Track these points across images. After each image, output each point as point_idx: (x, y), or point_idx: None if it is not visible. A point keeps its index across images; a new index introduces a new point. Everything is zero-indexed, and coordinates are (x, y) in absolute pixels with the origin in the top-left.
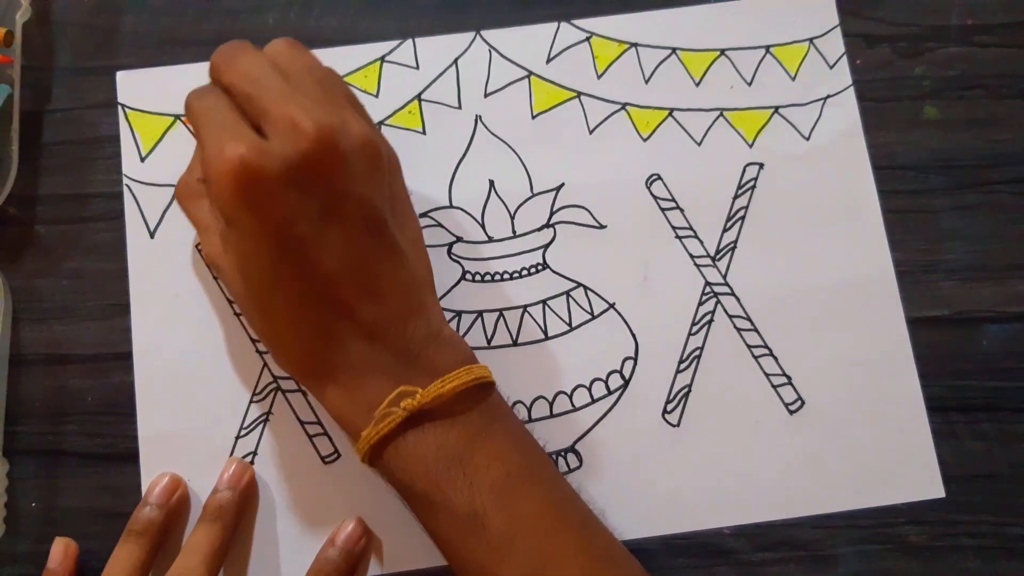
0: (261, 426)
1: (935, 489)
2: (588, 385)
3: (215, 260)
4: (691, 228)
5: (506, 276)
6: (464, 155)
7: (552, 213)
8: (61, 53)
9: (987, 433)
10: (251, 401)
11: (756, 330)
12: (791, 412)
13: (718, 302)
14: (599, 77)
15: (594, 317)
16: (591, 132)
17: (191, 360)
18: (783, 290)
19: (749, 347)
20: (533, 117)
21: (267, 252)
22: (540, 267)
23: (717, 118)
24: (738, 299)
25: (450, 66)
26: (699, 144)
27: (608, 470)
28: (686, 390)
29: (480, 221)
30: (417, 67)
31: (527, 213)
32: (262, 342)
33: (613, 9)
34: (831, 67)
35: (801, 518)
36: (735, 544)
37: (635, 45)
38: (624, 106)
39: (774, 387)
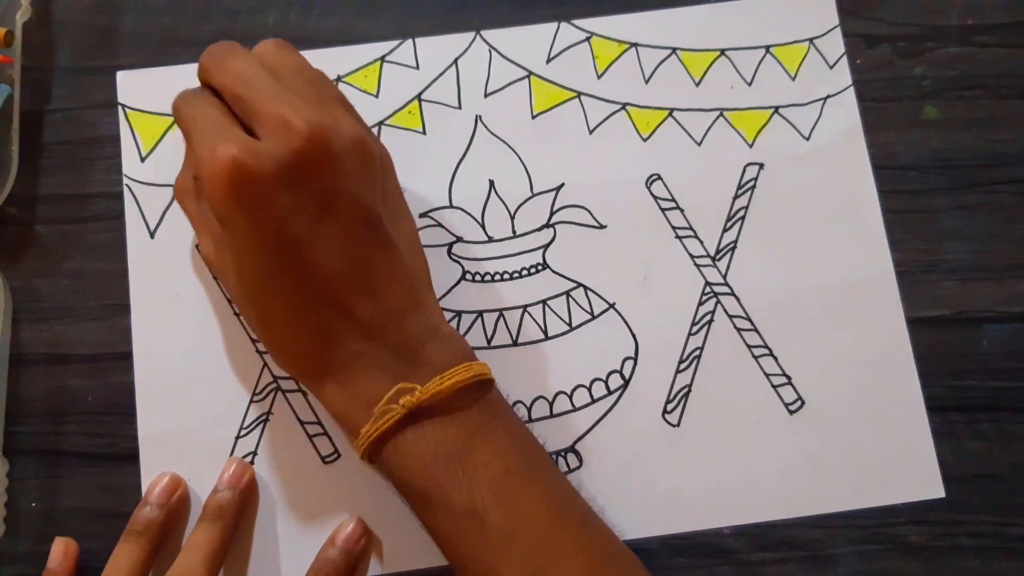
0: (261, 426)
1: (935, 489)
2: (588, 385)
3: (212, 259)
4: (691, 228)
5: (506, 276)
6: (464, 155)
7: (552, 213)
8: (61, 53)
9: (987, 433)
10: (251, 401)
11: (756, 330)
12: (791, 412)
13: (718, 302)
14: (599, 77)
15: (594, 317)
16: (591, 132)
17: (191, 360)
18: (783, 290)
19: (749, 347)
20: (533, 117)
21: (261, 252)
22: (540, 267)
23: (717, 118)
24: (738, 299)
25: (450, 66)
26: (699, 144)
27: (608, 470)
28: (686, 390)
29: (480, 221)
30: (417, 67)
31: (527, 213)
32: (260, 341)
33: (613, 9)
34: (831, 67)
35: (801, 518)
36: (735, 544)
37: (635, 45)
38: (624, 106)
39: (774, 387)
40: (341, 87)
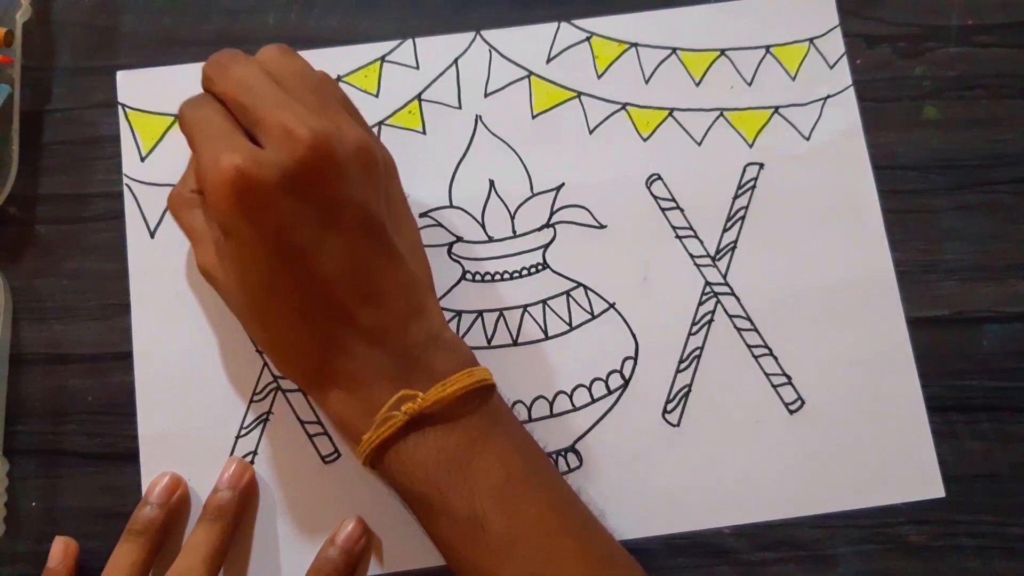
0: (261, 426)
1: (935, 489)
2: (588, 385)
3: (210, 271)
4: (691, 228)
5: (506, 276)
6: (464, 155)
7: (552, 213)
8: (61, 53)
9: (987, 433)
10: (251, 401)
11: (756, 330)
12: (791, 412)
13: (718, 302)
14: (599, 77)
15: (594, 317)
16: (591, 132)
17: (191, 360)
18: (783, 290)
19: (749, 347)
20: (533, 117)
21: (266, 261)
22: (540, 267)
23: (717, 118)
24: (738, 299)
25: (450, 66)
26: (699, 144)
27: (608, 470)
28: (686, 390)
29: (480, 221)
30: (417, 67)
31: (527, 213)
32: (263, 350)
33: (613, 9)
34: (831, 67)
35: (801, 518)
36: (735, 544)
37: (635, 45)
38: (624, 106)
39: (774, 387)
40: (341, 87)
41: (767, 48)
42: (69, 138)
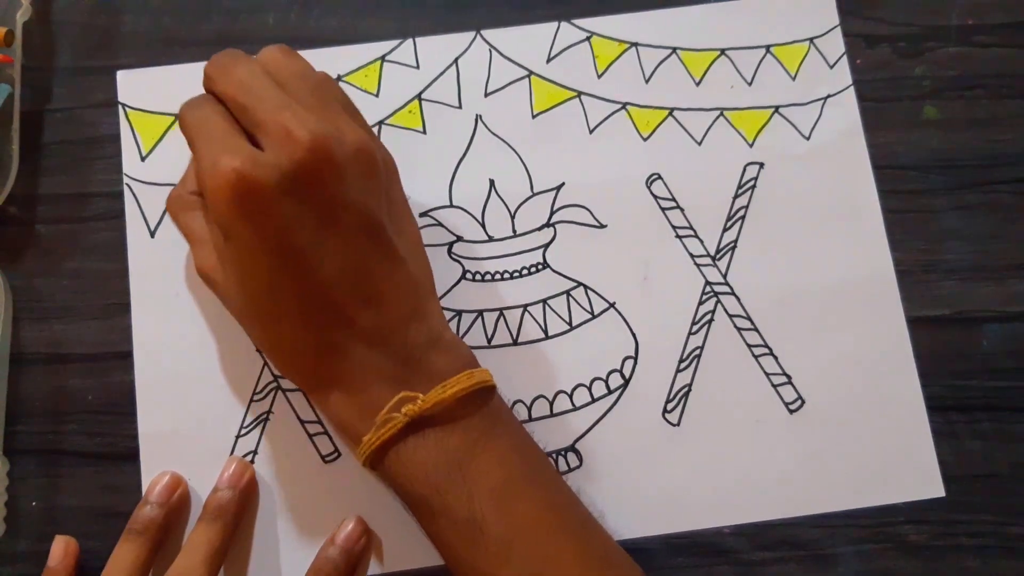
0: (261, 425)
1: (935, 489)
2: (588, 384)
3: (209, 273)
4: (691, 228)
5: (506, 275)
6: (464, 155)
7: (552, 212)
8: (61, 53)
9: (987, 433)
10: (251, 400)
11: (756, 330)
12: (791, 412)
13: (718, 302)
14: (599, 77)
15: (594, 316)
16: (591, 132)
17: (191, 360)
18: (783, 290)
19: (749, 347)
20: (533, 117)
21: (266, 263)
22: (540, 266)
23: (717, 118)
24: (738, 299)
25: (450, 66)
26: (699, 144)
27: (608, 469)
28: (686, 389)
29: (480, 221)
30: (417, 67)
31: (527, 212)
32: (263, 352)
33: (613, 9)
34: (831, 67)
35: (801, 518)
36: (735, 543)
37: (635, 45)
38: (624, 106)
39: (774, 387)
40: (342, 88)
41: (767, 48)
42: (69, 138)
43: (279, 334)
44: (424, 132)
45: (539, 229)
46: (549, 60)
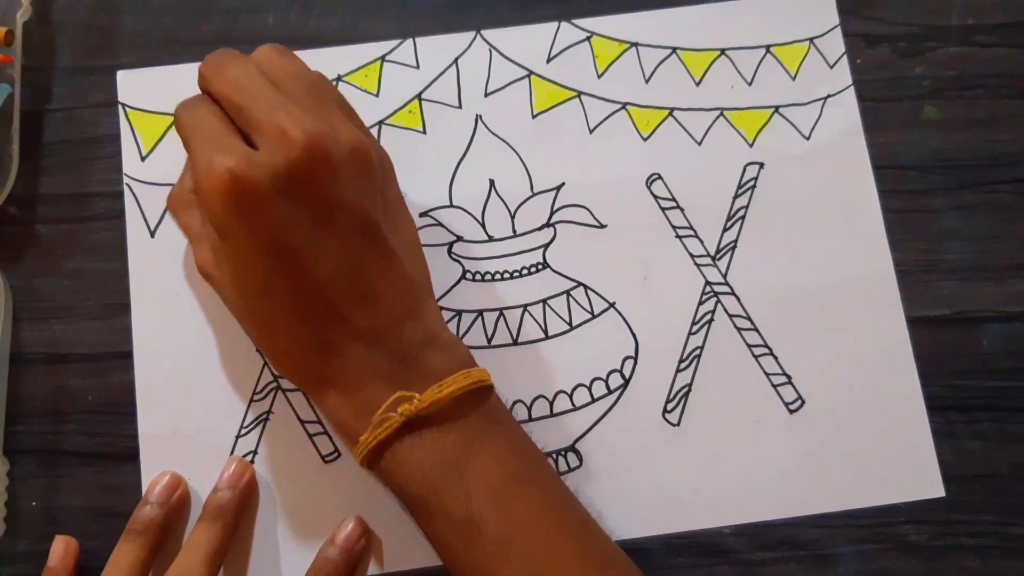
0: (261, 425)
1: (935, 489)
2: (588, 384)
3: (208, 271)
4: (691, 228)
5: (506, 275)
6: (464, 154)
7: (552, 212)
8: (61, 53)
9: (987, 433)
10: (251, 401)
11: (756, 330)
12: (791, 412)
13: (718, 302)
14: (599, 77)
15: (594, 316)
16: (591, 132)
17: (191, 360)
18: (783, 290)
19: (749, 347)
20: (533, 117)
21: (261, 263)
22: (540, 266)
23: (717, 118)
24: (738, 299)
25: (450, 66)
26: (699, 144)
27: (608, 469)
28: (686, 389)
29: (480, 220)
30: (417, 67)
31: (527, 212)
32: (260, 350)
33: (613, 9)
34: (831, 67)
35: (801, 518)
36: (735, 544)
37: (635, 45)
38: (624, 106)
39: (774, 387)
40: (341, 87)
41: (767, 48)
42: (69, 138)
43: (275, 333)
44: (424, 132)
45: (539, 229)
46: (549, 60)
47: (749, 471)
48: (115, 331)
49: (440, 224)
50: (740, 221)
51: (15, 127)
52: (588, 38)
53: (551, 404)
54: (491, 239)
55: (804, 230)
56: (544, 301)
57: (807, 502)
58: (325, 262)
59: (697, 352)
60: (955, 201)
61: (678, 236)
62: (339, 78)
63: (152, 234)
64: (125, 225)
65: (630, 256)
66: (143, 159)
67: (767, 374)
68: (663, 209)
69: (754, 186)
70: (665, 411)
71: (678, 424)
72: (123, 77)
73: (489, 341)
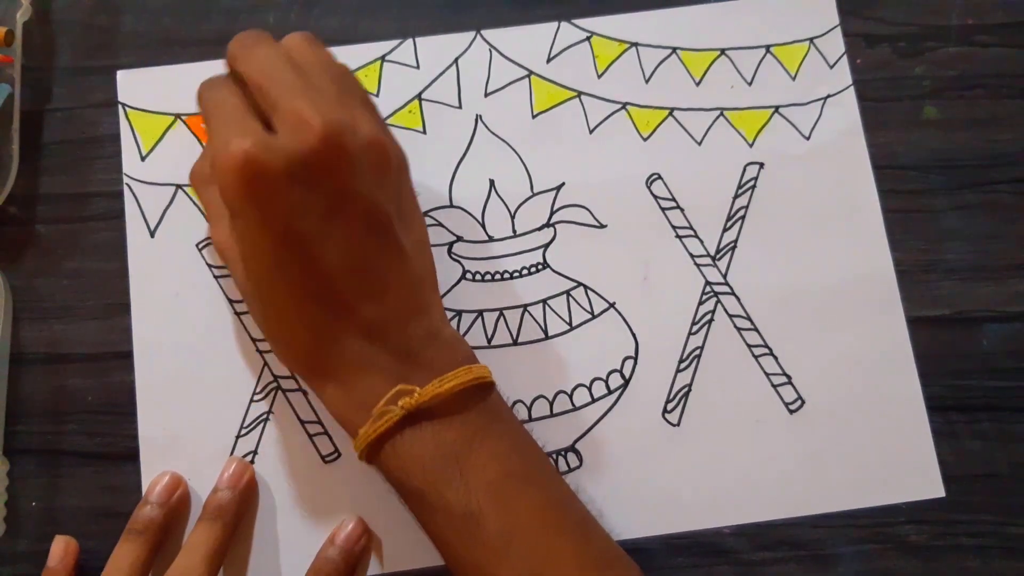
0: (261, 426)
1: (935, 489)
2: (588, 384)
3: (224, 249)
4: (691, 228)
5: (506, 275)
6: (464, 154)
7: (552, 212)
8: (61, 53)
9: (987, 433)
10: (251, 401)
11: (756, 330)
12: (791, 412)
13: (718, 302)
14: (599, 77)
15: (594, 316)
16: (591, 132)
17: (191, 360)
18: (783, 290)
19: (749, 347)
20: (533, 117)
21: (270, 246)
22: (540, 266)
23: (717, 118)
24: (738, 299)
25: (450, 66)
26: (699, 144)
27: (608, 469)
28: (686, 390)
29: (480, 220)
30: (417, 67)
31: (527, 212)
32: (263, 335)
33: (613, 9)
34: (831, 67)
35: (801, 518)
36: (735, 544)
37: (635, 45)
38: (624, 106)
39: (774, 387)
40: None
41: (767, 48)
42: (69, 138)
43: (279, 318)
44: (424, 132)
45: (539, 229)
46: (549, 60)
47: (749, 471)
48: (115, 331)
49: (440, 224)
50: (740, 221)
51: (15, 127)
52: (588, 38)
53: (551, 404)
54: (491, 239)
55: (804, 230)
56: (544, 301)
57: (807, 502)
58: (334, 252)
59: (697, 352)
60: (955, 201)
61: (678, 236)
62: None
63: (152, 234)
64: (125, 225)
65: (630, 256)
66: (143, 159)
67: (767, 374)
68: (663, 209)
69: (754, 186)
70: (665, 411)
71: (678, 424)
72: (123, 77)
73: (489, 341)
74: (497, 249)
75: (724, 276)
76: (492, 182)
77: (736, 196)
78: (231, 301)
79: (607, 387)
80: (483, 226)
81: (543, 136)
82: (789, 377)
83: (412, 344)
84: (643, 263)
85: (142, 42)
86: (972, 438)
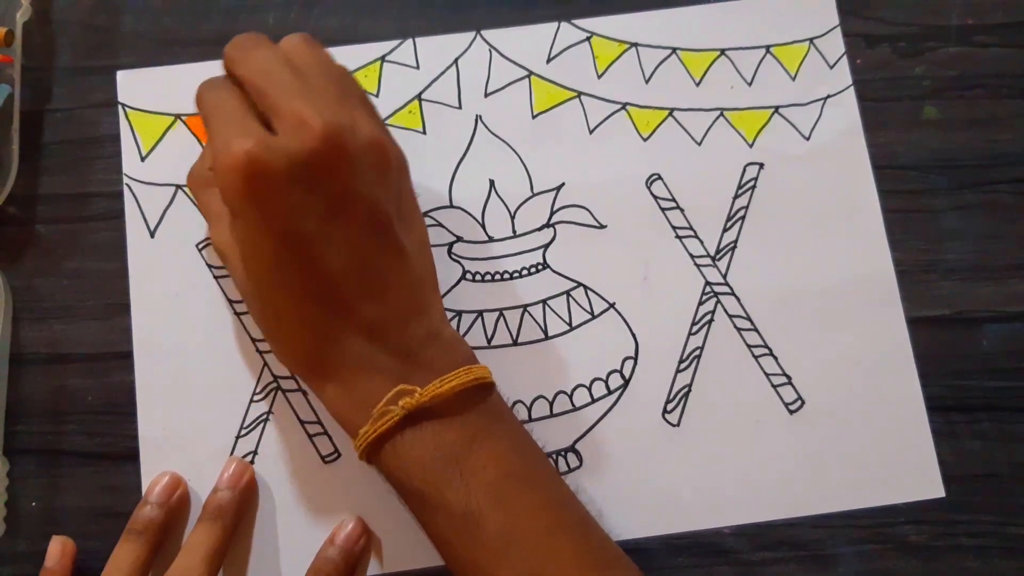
0: (261, 426)
1: (935, 489)
2: (588, 385)
3: (223, 249)
4: (691, 228)
5: (506, 276)
6: (464, 155)
7: (552, 213)
8: (61, 53)
9: (987, 433)
10: (251, 401)
11: (756, 330)
12: (791, 412)
13: (718, 302)
14: (599, 77)
15: (594, 317)
16: (591, 132)
17: (191, 360)
18: (783, 290)
19: (749, 347)
20: (533, 117)
21: (271, 247)
22: (540, 267)
23: (717, 118)
24: (738, 299)
25: (450, 66)
26: (699, 144)
27: (608, 470)
28: (686, 390)
29: (480, 221)
30: (417, 67)
31: (527, 213)
32: (263, 335)
33: (613, 9)
34: (831, 67)
35: (801, 518)
36: (735, 544)
37: (635, 45)
38: (624, 106)
39: (774, 387)
40: None
41: (767, 48)
42: (69, 138)
43: (279, 319)
44: (424, 132)
45: (539, 229)
46: (549, 60)
47: (749, 471)
48: (115, 331)
49: (440, 224)
50: (740, 221)
51: (15, 127)
52: (588, 38)
53: (551, 404)
54: (491, 239)
55: (804, 230)
56: (544, 301)
57: (807, 502)
58: (335, 253)
59: (697, 352)
60: (955, 201)
61: (678, 236)
62: None
63: (152, 234)
64: (125, 225)
65: (630, 256)
66: (143, 159)
67: (767, 374)
68: (663, 209)
69: (754, 186)
70: (665, 411)
71: (678, 424)
72: (123, 77)
73: (489, 341)
74: (497, 249)
75: (724, 276)
76: (492, 182)
77: (736, 196)
78: (231, 301)
79: (607, 387)
80: (483, 226)
81: (543, 136)
82: (789, 377)
83: (412, 344)
84: (643, 263)
85: (142, 42)
86: (972, 438)
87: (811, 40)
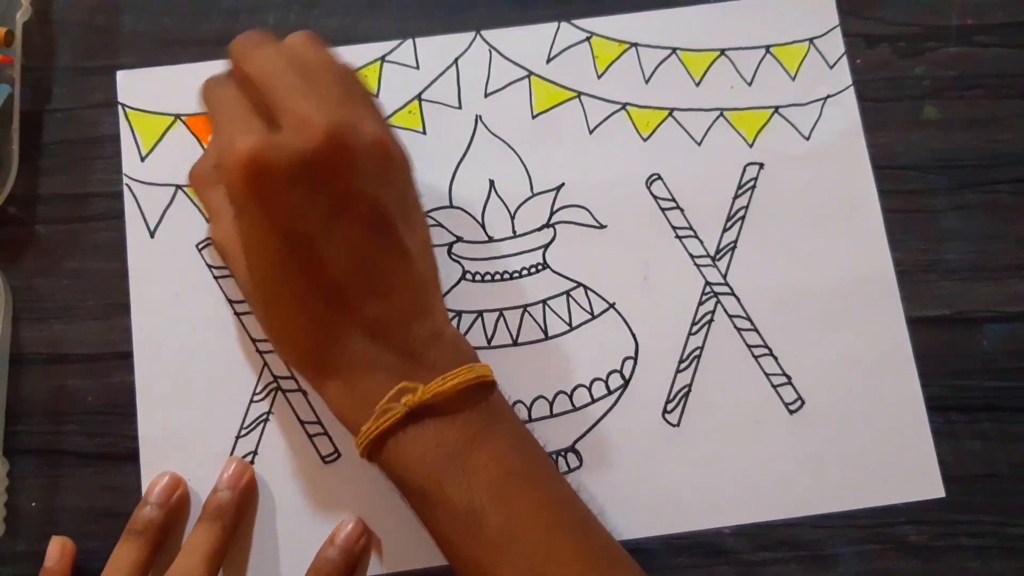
0: (261, 426)
1: (935, 489)
2: (588, 385)
3: (225, 246)
4: (691, 228)
5: (506, 276)
6: (464, 155)
7: (552, 213)
8: (61, 53)
9: (987, 433)
10: (251, 401)
11: (756, 330)
12: (791, 412)
13: (718, 302)
14: (599, 77)
15: (594, 317)
16: (591, 132)
17: (191, 360)
18: (783, 290)
19: (749, 347)
20: (533, 117)
21: (273, 245)
22: (540, 267)
23: (717, 118)
24: (738, 299)
25: (450, 66)
26: (699, 144)
27: (608, 470)
28: (686, 390)
29: (480, 221)
30: (417, 67)
31: (527, 213)
32: (265, 334)
33: (613, 9)
34: (831, 67)
35: (801, 518)
36: (735, 544)
37: (635, 45)
38: (624, 106)
39: (774, 387)
40: None
41: (767, 48)
42: (69, 138)
43: (282, 316)
44: (424, 132)
45: (539, 229)
46: (549, 60)
47: (749, 471)
48: (115, 331)
49: (440, 224)
50: (740, 221)
51: (15, 127)
52: (588, 38)
53: (551, 404)
54: (491, 239)
55: (804, 230)
56: (544, 302)
57: (807, 502)
58: (337, 252)
59: (697, 352)
60: (955, 201)
61: (678, 236)
62: None
63: (152, 234)
64: (125, 225)
65: (630, 256)
66: (143, 159)
67: (767, 374)
68: (663, 209)
69: (754, 186)
70: (665, 411)
71: (678, 424)
72: (123, 77)
73: (489, 342)
74: (497, 249)
75: (724, 276)
76: (492, 182)
77: (736, 196)
78: (231, 301)
79: (607, 387)
80: (483, 226)
81: (543, 136)
82: (789, 377)
83: (415, 345)
84: (643, 263)
85: (142, 42)
86: (972, 438)
87: (811, 40)
